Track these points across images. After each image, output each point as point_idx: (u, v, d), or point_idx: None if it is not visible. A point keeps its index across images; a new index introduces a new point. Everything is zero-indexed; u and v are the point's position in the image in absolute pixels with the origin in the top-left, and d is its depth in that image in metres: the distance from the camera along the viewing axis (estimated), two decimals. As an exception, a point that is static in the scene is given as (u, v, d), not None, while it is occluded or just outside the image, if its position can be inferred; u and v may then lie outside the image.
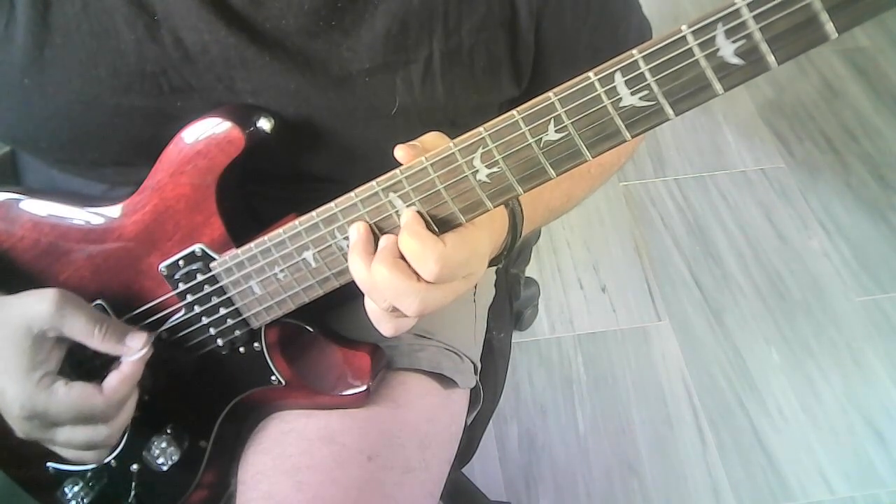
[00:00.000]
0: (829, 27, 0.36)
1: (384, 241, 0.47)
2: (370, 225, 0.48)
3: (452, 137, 0.52)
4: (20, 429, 0.53)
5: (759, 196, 1.68)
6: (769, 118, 1.85)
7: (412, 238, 0.45)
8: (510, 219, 0.55)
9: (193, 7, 0.50)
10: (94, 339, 0.52)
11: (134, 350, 0.53)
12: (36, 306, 0.51)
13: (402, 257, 0.46)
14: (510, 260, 0.92)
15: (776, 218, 1.64)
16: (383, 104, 0.54)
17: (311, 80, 0.52)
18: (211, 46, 0.51)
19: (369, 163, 0.47)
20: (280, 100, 0.53)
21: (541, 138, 0.42)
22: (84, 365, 0.56)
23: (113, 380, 0.53)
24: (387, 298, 0.46)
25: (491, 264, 0.53)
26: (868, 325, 1.47)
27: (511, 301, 0.90)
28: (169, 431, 0.62)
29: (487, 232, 0.50)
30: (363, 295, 0.69)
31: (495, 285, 0.84)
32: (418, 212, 0.46)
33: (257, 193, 0.57)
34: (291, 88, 0.52)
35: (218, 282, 0.55)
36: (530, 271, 1.50)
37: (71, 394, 0.52)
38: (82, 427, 0.53)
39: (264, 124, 0.52)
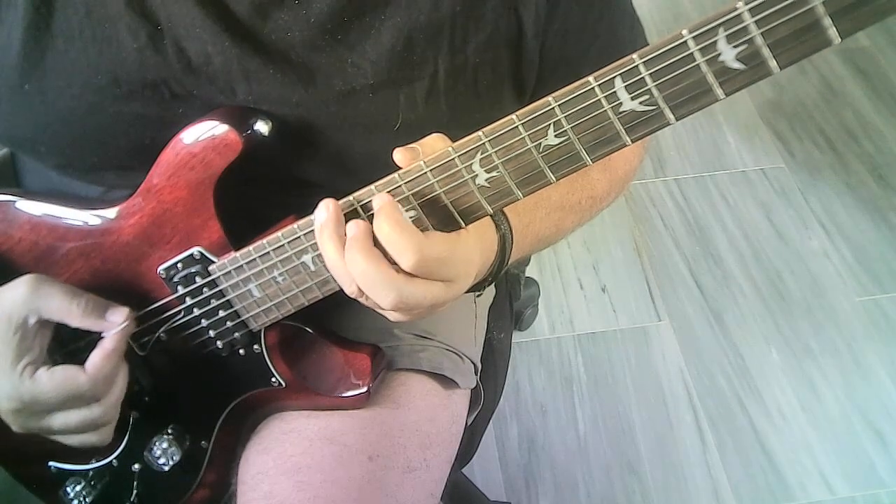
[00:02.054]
0: (832, 32, 0.35)
1: (354, 227, 0.45)
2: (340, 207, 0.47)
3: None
4: (14, 422, 0.53)
5: (759, 196, 1.68)
6: (769, 118, 1.84)
7: (389, 224, 0.44)
8: (500, 243, 0.54)
9: (198, 17, 0.50)
10: (74, 315, 0.52)
11: (115, 324, 0.53)
12: (11, 294, 0.51)
13: (377, 246, 0.45)
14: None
15: (776, 218, 1.64)
16: (386, 120, 0.53)
17: (314, 94, 0.52)
18: (214, 57, 0.51)
19: (370, 174, 0.47)
20: (282, 111, 0.53)
21: (540, 143, 0.42)
22: (71, 350, 0.56)
23: (96, 356, 0.52)
24: (360, 287, 0.45)
25: (473, 289, 0.53)
26: (868, 325, 1.46)
27: (511, 301, 0.90)
28: (170, 432, 0.62)
29: (476, 241, 0.49)
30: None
31: (495, 285, 0.84)
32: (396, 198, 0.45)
33: (256, 197, 0.57)
34: (293, 101, 0.52)
35: (217, 285, 0.55)
36: (530, 271, 1.50)
37: (54, 377, 0.51)
38: (75, 410, 0.53)
39: (262, 127, 0.52)
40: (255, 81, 0.52)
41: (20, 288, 0.51)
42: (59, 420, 0.53)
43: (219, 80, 0.52)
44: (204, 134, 0.51)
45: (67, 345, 0.56)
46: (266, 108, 0.53)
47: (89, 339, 0.54)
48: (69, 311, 0.52)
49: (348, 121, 0.53)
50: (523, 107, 0.58)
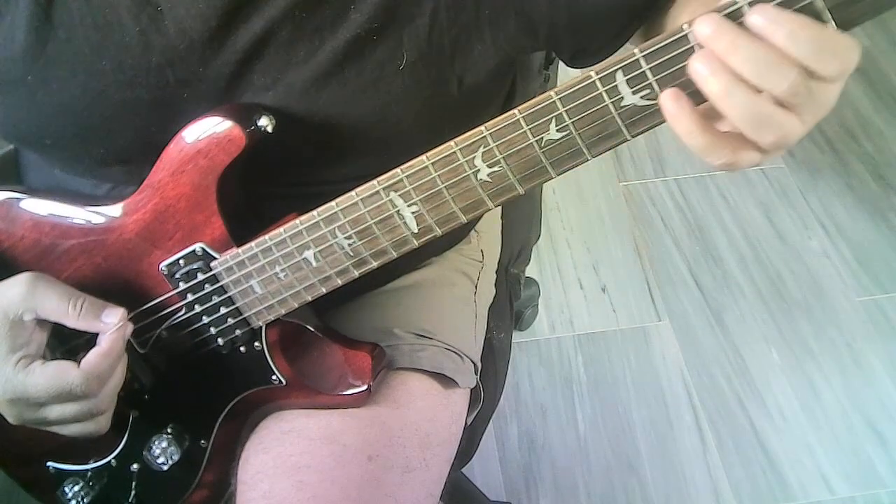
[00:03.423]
0: (831, 26, 0.36)
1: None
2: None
3: (462, 97, 0.51)
4: (9, 413, 0.53)
5: (759, 196, 1.68)
6: (769, 118, 1.84)
7: (803, 27, 0.36)
8: None
9: None
10: (70, 316, 0.52)
11: (111, 326, 0.53)
12: (10, 291, 0.51)
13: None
14: (511, 260, 0.92)
15: (776, 218, 1.64)
16: (390, 62, 0.53)
17: (320, 46, 0.52)
18: (218, 32, 0.50)
19: (378, 132, 0.46)
20: (288, 75, 0.52)
21: (542, 137, 0.43)
22: (73, 346, 0.56)
23: (91, 356, 0.52)
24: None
25: None
26: (868, 325, 1.46)
27: (511, 301, 0.90)
28: (169, 431, 0.62)
29: None
30: (364, 294, 0.70)
31: (495, 285, 0.84)
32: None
33: (259, 192, 0.57)
34: (301, 57, 0.52)
35: (218, 281, 0.55)
36: (530, 271, 1.50)
37: (46, 372, 0.51)
38: (69, 404, 0.53)
39: (265, 123, 0.52)
40: (261, 47, 0.51)
41: (18, 286, 0.51)
42: (56, 412, 0.53)
43: (223, 55, 0.51)
44: (207, 130, 0.51)
45: (70, 340, 0.56)
46: (273, 75, 0.52)
47: (90, 336, 0.54)
48: (65, 312, 0.52)
49: (355, 69, 0.53)
50: (542, 43, 0.56)
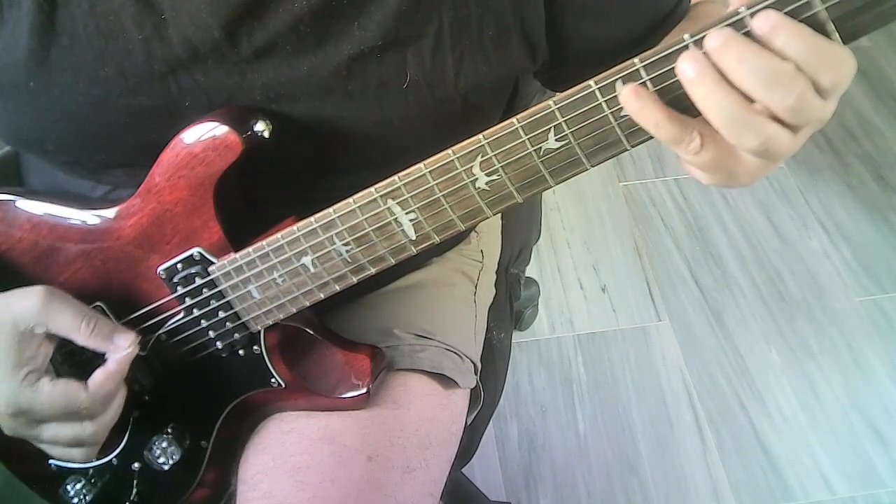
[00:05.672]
0: (835, 38, 0.36)
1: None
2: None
3: (465, 113, 0.50)
4: (6, 426, 0.53)
5: (759, 196, 1.68)
6: (770, 117, 1.84)
7: (802, 33, 0.36)
8: None
9: (203, 3, 0.49)
10: (81, 334, 0.52)
11: (121, 348, 0.53)
12: (23, 303, 0.51)
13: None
14: (511, 260, 0.92)
15: (776, 218, 1.64)
16: (394, 80, 0.53)
17: (324, 61, 0.52)
18: (221, 43, 0.51)
19: (379, 145, 0.46)
20: (292, 89, 0.52)
21: (541, 147, 0.42)
22: (77, 360, 0.56)
23: (98, 376, 0.52)
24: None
25: None
26: (868, 325, 1.47)
27: (511, 301, 0.90)
28: (170, 431, 0.62)
29: None
30: (363, 295, 0.70)
31: (495, 285, 0.84)
32: None
33: (257, 197, 0.57)
34: (304, 71, 0.52)
35: (217, 286, 0.55)
36: (530, 271, 1.50)
37: (55, 390, 0.51)
38: (68, 424, 0.53)
39: (262, 128, 0.52)
40: (264, 60, 0.51)
41: (31, 299, 0.51)
42: (50, 432, 0.53)
43: (227, 64, 0.51)
44: (204, 135, 0.51)
45: (78, 353, 0.56)
46: (276, 88, 0.52)
47: (95, 355, 0.54)
48: (76, 329, 0.52)
49: (358, 86, 0.53)
50: (539, 66, 0.57)
